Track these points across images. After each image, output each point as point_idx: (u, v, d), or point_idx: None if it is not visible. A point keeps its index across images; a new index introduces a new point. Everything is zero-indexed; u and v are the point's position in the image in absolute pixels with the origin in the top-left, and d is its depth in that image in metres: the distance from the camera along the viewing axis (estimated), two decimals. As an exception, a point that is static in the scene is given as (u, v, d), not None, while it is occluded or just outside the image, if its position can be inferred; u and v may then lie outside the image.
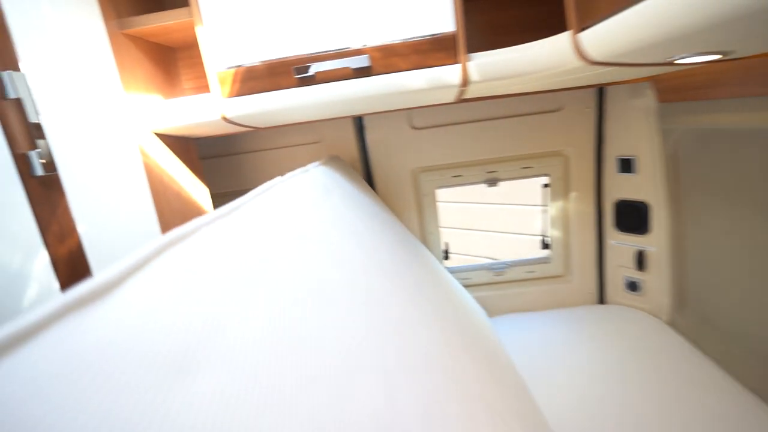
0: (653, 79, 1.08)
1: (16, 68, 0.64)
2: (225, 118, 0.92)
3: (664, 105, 1.10)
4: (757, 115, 0.82)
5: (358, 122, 1.35)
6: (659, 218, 1.20)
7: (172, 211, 1.03)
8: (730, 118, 0.89)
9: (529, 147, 1.32)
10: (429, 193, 1.41)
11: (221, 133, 1.23)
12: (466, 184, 1.40)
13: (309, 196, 0.66)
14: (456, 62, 0.81)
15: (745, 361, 0.94)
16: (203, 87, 1.18)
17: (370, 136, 1.36)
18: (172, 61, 1.16)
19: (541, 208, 1.48)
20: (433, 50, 0.81)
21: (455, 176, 1.39)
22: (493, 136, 1.33)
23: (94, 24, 0.86)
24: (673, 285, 1.19)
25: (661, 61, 0.66)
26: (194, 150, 1.21)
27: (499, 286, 1.47)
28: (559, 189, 1.37)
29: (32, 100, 0.65)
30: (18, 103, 0.63)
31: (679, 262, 1.16)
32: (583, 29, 0.62)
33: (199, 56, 1.13)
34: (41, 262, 0.63)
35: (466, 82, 0.83)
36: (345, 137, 1.36)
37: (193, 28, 0.89)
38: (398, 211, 1.41)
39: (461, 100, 1.07)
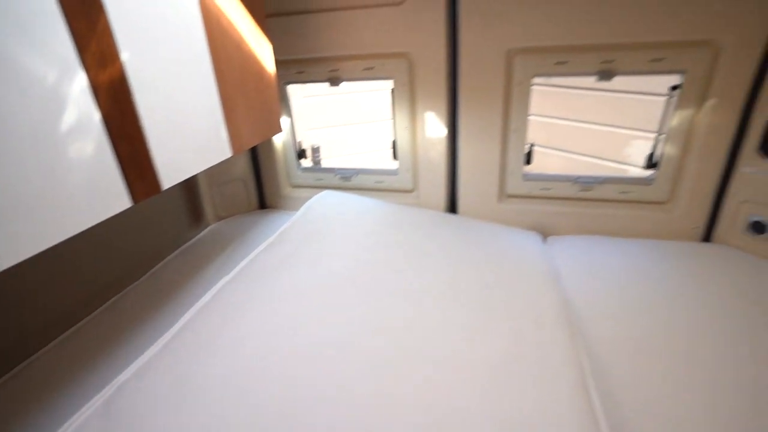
0: None
1: None
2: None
3: None
4: None
5: None
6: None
7: (229, 63, 0.91)
8: None
9: (662, 31, 1.01)
10: (524, 80, 1.17)
11: None
12: (571, 74, 1.14)
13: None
14: None
15: None
16: None
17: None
18: None
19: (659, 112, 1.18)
20: None
21: (559, 63, 1.13)
22: (613, 12, 1.02)
23: None
24: None
25: None
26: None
27: (584, 203, 1.27)
28: (693, 92, 1.06)
29: None
30: None
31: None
32: None
33: None
34: (80, 85, 0.56)
35: None
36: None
37: None
38: (480, 102, 1.21)
39: None
